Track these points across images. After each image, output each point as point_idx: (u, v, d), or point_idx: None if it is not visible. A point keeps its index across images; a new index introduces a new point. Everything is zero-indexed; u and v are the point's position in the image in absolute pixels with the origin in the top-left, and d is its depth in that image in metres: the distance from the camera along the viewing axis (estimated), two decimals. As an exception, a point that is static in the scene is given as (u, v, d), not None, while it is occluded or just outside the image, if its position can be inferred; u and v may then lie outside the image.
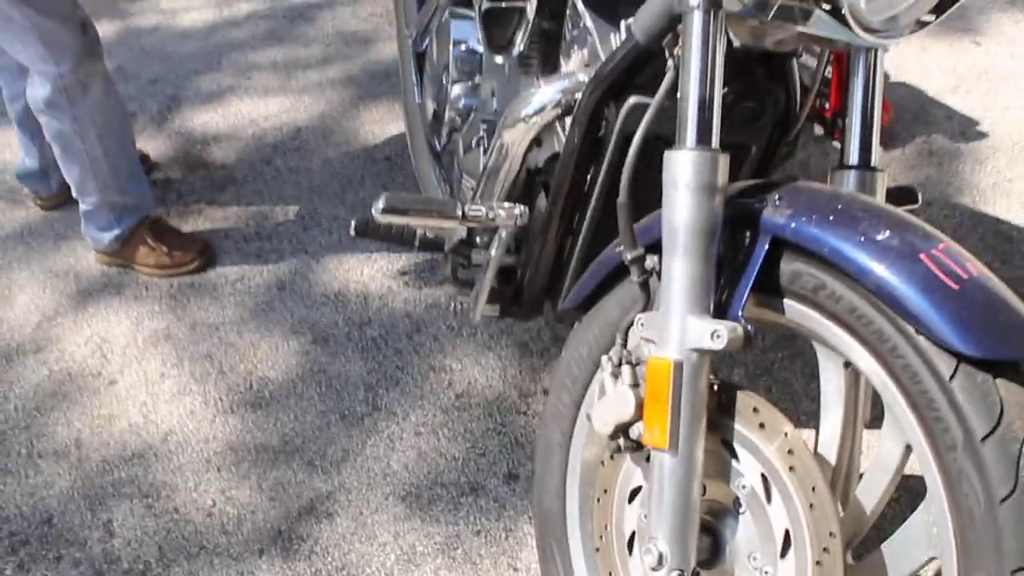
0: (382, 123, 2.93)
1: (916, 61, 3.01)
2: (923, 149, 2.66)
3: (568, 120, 1.55)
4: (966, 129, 2.72)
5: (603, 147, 1.50)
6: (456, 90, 2.02)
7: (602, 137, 1.50)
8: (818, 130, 2.10)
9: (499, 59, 1.77)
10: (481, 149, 1.85)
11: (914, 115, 2.78)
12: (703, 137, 1.16)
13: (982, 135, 2.69)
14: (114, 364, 2.22)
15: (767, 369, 2.02)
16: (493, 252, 1.68)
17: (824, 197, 1.18)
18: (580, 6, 1.56)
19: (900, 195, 1.70)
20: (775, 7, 1.30)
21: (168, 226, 2.51)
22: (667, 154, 1.17)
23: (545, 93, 1.60)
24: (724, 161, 1.16)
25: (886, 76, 2.82)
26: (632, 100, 1.43)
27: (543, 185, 1.71)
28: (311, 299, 2.34)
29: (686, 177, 1.15)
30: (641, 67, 1.40)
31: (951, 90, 2.88)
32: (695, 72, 1.16)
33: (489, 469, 1.93)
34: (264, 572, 1.78)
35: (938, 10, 1.21)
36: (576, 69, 1.61)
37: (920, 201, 1.66)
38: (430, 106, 2.22)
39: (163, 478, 1.96)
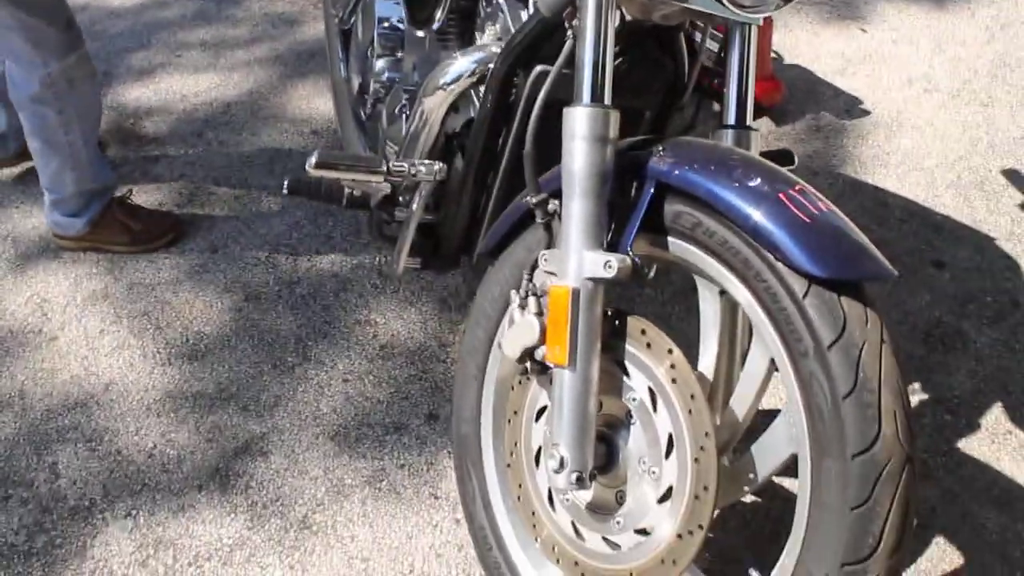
0: (308, 99, 3.07)
1: (808, 45, 3.25)
2: (811, 125, 2.90)
3: (482, 88, 1.73)
4: (851, 107, 2.96)
5: (513, 111, 1.68)
6: (380, 64, 2.18)
7: (512, 103, 1.68)
8: (716, 107, 2.30)
9: (420, 34, 1.93)
10: (404, 117, 2.01)
11: (804, 94, 3.01)
12: (596, 95, 1.34)
13: (865, 113, 2.93)
14: (55, 322, 2.33)
15: (665, 320, 2.22)
16: (414, 208, 1.85)
17: (703, 149, 1.37)
18: None
19: (778, 157, 1.91)
20: None
21: (134, 204, 2.59)
22: (566, 110, 1.35)
23: (462, 63, 1.77)
24: (615, 117, 1.35)
25: (780, 57, 3.05)
26: (538, 68, 1.60)
27: (460, 147, 1.88)
28: (243, 261, 2.48)
29: (582, 130, 1.33)
30: (546, 39, 1.57)
31: (839, 72, 3.12)
32: (589, 39, 1.34)
33: (412, 411, 2.10)
34: (203, 505, 1.92)
35: (799, -12, 1.42)
36: (490, 42, 1.79)
37: (796, 163, 1.86)
38: (356, 80, 2.38)
39: (105, 424, 2.09)
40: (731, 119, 1.53)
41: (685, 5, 1.45)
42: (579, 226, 1.35)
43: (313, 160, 1.69)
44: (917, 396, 2.07)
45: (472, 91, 1.80)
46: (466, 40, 1.91)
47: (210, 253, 2.51)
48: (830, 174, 2.70)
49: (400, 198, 1.98)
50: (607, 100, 1.35)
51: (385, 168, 1.72)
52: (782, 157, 1.90)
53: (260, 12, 3.58)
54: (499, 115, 1.70)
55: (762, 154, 1.92)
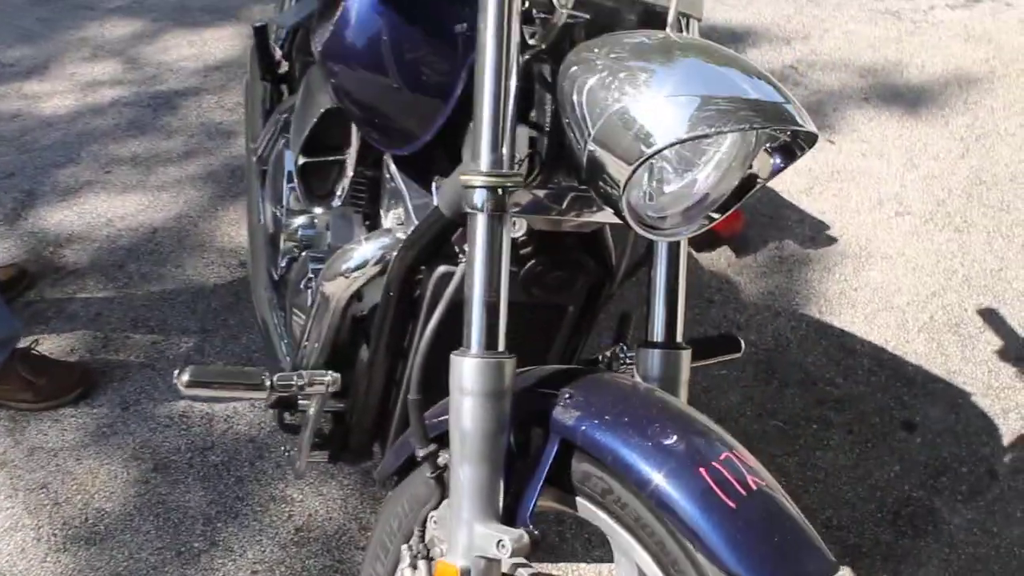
0: (238, 224, 2.88)
1: (773, 160, 3.07)
2: (774, 256, 2.71)
3: (386, 276, 1.54)
4: (816, 234, 2.78)
5: (418, 306, 1.49)
6: (293, 221, 2.00)
7: (417, 297, 1.49)
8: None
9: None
10: (309, 291, 1.82)
11: (768, 219, 2.83)
12: (489, 342, 1.15)
13: (832, 240, 2.75)
14: (-59, 497, 2.13)
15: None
16: (312, 410, 1.65)
17: (616, 395, 1.18)
18: (392, 167, 1.55)
19: (721, 344, 1.72)
20: (566, 202, 1.32)
21: (41, 355, 2.40)
22: (453, 358, 1.16)
23: (364, 250, 1.58)
24: (511, 365, 1.15)
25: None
26: (442, 269, 1.42)
27: (365, 335, 1.69)
28: (155, 421, 2.27)
29: (471, 383, 1.14)
30: (449, 236, 1.39)
31: (805, 191, 2.95)
32: (479, 276, 1.15)
33: (324, 613, 1.89)
34: None
35: (723, 208, 1.23)
36: (394, 226, 1.60)
37: (742, 349, 1.68)
38: (270, 229, 2.19)
39: (-16, 628, 1.88)
40: (659, 336, 1.35)
41: (590, 219, 1.28)
42: (470, 495, 1.15)
43: (185, 378, 1.50)
44: (884, 593, 1.87)
45: (377, 278, 1.61)
46: (372, 217, 1.73)
47: (121, 410, 2.31)
48: (793, 315, 2.51)
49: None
50: (501, 344, 1.16)
51: (269, 383, 1.52)
52: (726, 344, 1.72)
53: (197, 121, 3.41)
54: (403, 310, 1.51)
55: (705, 340, 1.74)
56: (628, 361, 1.60)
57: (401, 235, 1.54)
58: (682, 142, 1.06)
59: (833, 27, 3.89)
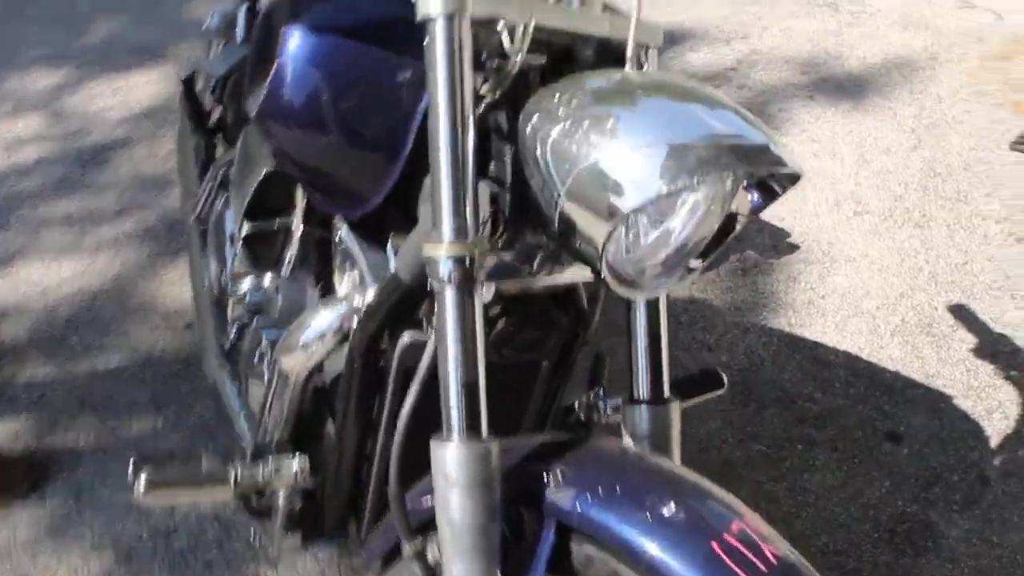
0: (181, 282, 2.76)
1: (725, 168, 3.01)
2: (737, 269, 2.65)
3: (347, 345, 1.45)
4: (777, 242, 2.72)
5: (384, 378, 1.40)
6: (238, 284, 1.89)
7: (382, 367, 1.40)
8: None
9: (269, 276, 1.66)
10: (264, 364, 1.72)
11: (726, 230, 2.76)
12: (471, 426, 1.06)
13: (794, 248, 2.69)
14: None
15: None
16: (282, 497, 1.55)
17: (608, 465, 1.10)
18: (343, 229, 1.46)
19: (704, 381, 1.65)
20: (536, 262, 1.24)
21: None
22: (433, 444, 1.07)
23: (322, 320, 1.48)
24: (496, 448, 1.06)
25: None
26: (407, 338, 1.33)
27: (330, 408, 1.60)
28: (112, 508, 2.15)
29: (457, 473, 1.04)
30: (412, 303, 1.30)
31: (761, 198, 2.88)
32: (453, 355, 1.06)
33: None
34: None
35: (704, 254, 1.16)
36: (350, 292, 1.50)
37: (725, 384, 1.61)
38: (216, 294, 2.08)
39: None
40: (644, 393, 1.27)
41: (563, 278, 1.21)
42: (465, 595, 1.06)
43: (141, 485, 1.39)
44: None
45: (337, 349, 1.51)
46: (324, 278, 1.63)
47: (74, 500, 2.17)
48: (763, 331, 2.44)
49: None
50: (484, 430, 1.07)
51: (233, 477, 1.42)
52: (708, 381, 1.65)
53: (129, 175, 3.27)
54: (368, 380, 1.41)
55: (687, 380, 1.66)
56: (609, 411, 1.52)
57: (359, 302, 1.45)
58: (664, 196, 0.98)
59: (771, 24, 3.84)
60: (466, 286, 1.05)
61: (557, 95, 1.09)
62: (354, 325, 1.41)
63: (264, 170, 1.49)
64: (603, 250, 1.02)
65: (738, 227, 1.15)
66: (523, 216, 1.18)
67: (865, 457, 2.11)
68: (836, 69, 3.49)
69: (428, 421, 1.14)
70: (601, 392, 1.53)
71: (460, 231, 1.04)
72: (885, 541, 1.95)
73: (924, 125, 3.15)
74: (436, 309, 1.08)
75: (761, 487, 2.05)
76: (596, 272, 1.05)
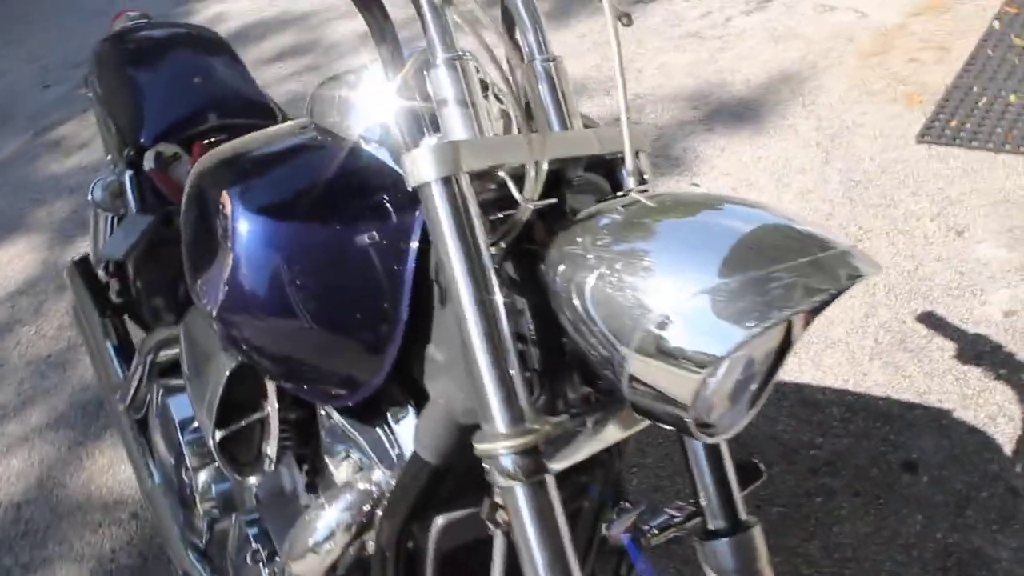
0: (112, 469, 2.51)
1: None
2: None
3: (367, 540, 1.29)
4: (726, 287, 2.63)
5: (418, 564, 1.24)
6: (203, 478, 1.70)
7: (413, 552, 1.24)
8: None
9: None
10: (261, 565, 1.52)
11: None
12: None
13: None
14: None
15: None
16: None
17: None
18: (333, 412, 1.30)
19: (746, 474, 1.52)
20: (591, 422, 1.10)
21: None
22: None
23: (330, 517, 1.30)
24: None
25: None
26: (440, 521, 1.18)
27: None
28: None
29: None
30: (439, 483, 1.15)
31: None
32: (541, 560, 0.92)
33: None
34: None
35: (763, 383, 1.04)
36: (352, 479, 1.33)
37: (764, 475, 1.49)
38: (174, 488, 1.86)
39: None
40: (720, 522, 1.15)
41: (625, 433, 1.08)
42: None
43: None
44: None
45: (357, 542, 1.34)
46: (309, 460, 1.45)
47: None
48: (743, 383, 2.34)
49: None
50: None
51: None
52: (746, 475, 1.52)
53: (22, 361, 3.00)
54: (400, 568, 1.25)
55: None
56: (655, 531, 1.39)
57: (364, 485, 1.28)
58: (758, 335, 0.86)
59: (645, 65, 3.79)
60: (538, 476, 0.91)
61: (579, 238, 0.97)
62: (366, 514, 1.26)
63: (227, 371, 1.30)
64: (693, 404, 0.88)
65: (793, 342, 1.04)
66: (558, 373, 1.06)
67: (888, 495, 2.01)
68: (725, 97, 3.45)
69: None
70: (642, 512, 1.40)
71: (516, 418, 0.91)
72: (939, 581, 1.86)
73: (827, 136, 3.12)
74: (509, 509, 0.94)
75: (795, 552, 1.93)
76: (681, 427, 0.92)
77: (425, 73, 1.00)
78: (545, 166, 0.95)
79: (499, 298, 0.92)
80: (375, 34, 1.00)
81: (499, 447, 0.90)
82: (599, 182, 1.14)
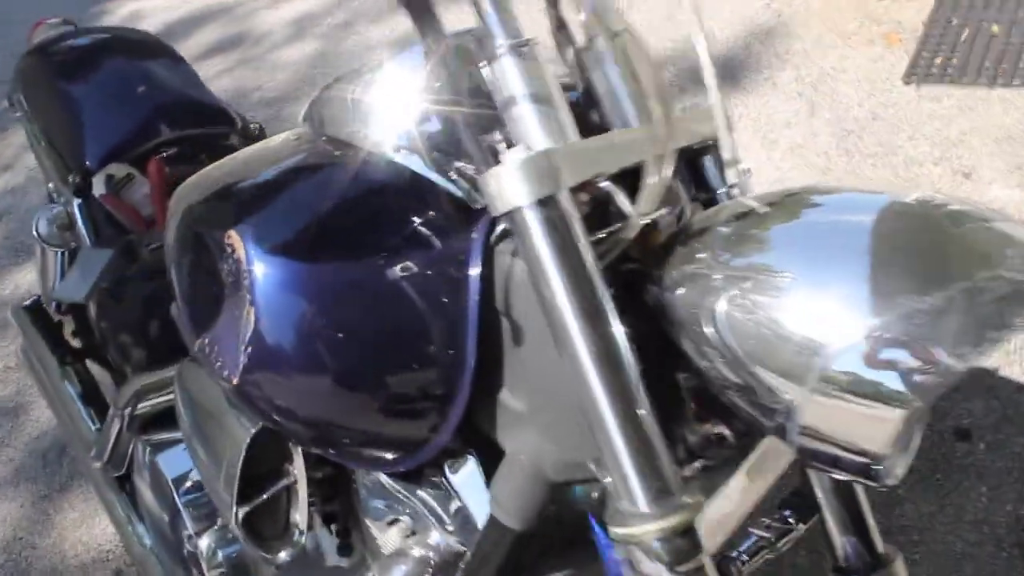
0: (85, 524, 2.28)
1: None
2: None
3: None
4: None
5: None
6: (206, 542, 1.49)
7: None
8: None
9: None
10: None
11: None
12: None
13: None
14: None
15: None
16: None
17: None
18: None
19: (803, 508, 1.35)
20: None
21: None
22: None
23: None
24: None
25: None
26: None
27: None
28: None
29: None
30: (523, 549, 0.97)
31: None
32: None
33: None
34: None
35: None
36: (402, 543, 1.13)
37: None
38: (173, 551, 1.65)
39: None
40: (859, 558, 1.01)
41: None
42: None
43: None
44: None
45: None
46: (343, 530, 1.26)
47: None
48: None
49: None
50: None
51: None
52: (807, 508, 1.36)
53: (-30, 411, 2.75)
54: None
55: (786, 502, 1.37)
56: (744, 557, 1.22)
57: (422, 552, 1.10)
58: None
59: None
60: (694, 562, 0.74)
61: (700, 253, 0.80)
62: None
63: (248, 436, 1.09)
64: (893, 449, 0.71)
65: None
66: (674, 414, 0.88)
67: (946, 467, 1.86)
68: (691, 55, 3.26)
69: None
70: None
71: (662, 490, 0.73)
72: (1018, 557, 1.71)
73: (809, 86, 2.95)
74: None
75: (855, 543, 1.78)
76: (864, 474, 0.74)
77: (480, 66, 0.81)
78: (671, 169, 0.77)
79: (621, 334, 0.73)
80: (416, 22, 0.81)
81: (649, 533, 0.72)
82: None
